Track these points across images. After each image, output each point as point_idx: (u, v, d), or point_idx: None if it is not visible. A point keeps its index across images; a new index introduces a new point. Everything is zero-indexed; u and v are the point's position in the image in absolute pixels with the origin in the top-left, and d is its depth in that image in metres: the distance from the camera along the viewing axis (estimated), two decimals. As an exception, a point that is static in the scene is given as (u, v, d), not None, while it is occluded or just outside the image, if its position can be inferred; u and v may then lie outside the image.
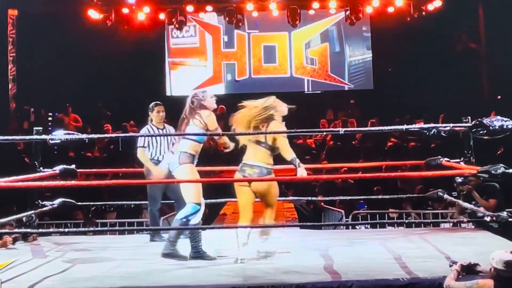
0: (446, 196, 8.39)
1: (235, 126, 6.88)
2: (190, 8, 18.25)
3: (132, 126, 16.95)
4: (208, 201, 8.67)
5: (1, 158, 12.82)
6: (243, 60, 20.34)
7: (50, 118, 18.55)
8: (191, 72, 20.37)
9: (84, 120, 18.09)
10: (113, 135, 13.46)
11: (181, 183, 6.85)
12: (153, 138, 8.25)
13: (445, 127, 6.99)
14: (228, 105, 18.24)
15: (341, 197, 10.82)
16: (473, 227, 8.51)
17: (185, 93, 20.86)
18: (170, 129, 8.47)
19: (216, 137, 7.14)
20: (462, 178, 7.99)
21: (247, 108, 6.85)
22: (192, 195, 6.74)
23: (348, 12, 18.43)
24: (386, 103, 18.27)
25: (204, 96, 6.93)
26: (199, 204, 6.75)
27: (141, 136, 8.41)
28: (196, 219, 6.77)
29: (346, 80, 20.27)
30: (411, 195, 10.42)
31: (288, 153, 6.77)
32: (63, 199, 8.52)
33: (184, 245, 6.88)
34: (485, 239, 7.47)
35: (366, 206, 11.06)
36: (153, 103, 8.60)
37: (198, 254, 6.74)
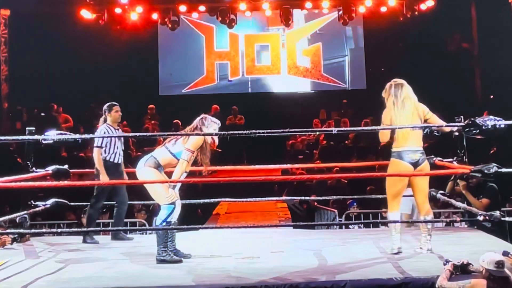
0: (439, 195, 8.40)
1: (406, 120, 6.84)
2: (182, 8, 18.22)
3: (125, 126, 16.92)
4: (202, 201, 8.71)
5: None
6: (236, 60, 20.33)
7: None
8: (184, 72, 20.36)
9: (77, 120, 18.04)
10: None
11: (148, 184, 6.81)
12: (111, 140, 8.18)
13: (438, 126, 7.00)
14: (221, 105, 18.32)
15: (334, 197, 10.81)
16: (466, 226, 8.53)
17: (178, 93, 21.00)
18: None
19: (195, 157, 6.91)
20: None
21: (410, 102, 6.89)
22: (163, 197, 6.72)
23: (341, 12, 18.45)
24: (379, 102, 18.20)
25: (208, 125, 6.87)
26: (173, 204, 6.73)
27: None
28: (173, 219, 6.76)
29: (339, 80, 20.28)
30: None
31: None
32: (56, 199, 8.49)
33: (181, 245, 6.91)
34: (478, 239, 7.48)
35: (355, 204, 11.04)
36: (109, 103, 8.38)
37: (161, 257, 6.68)
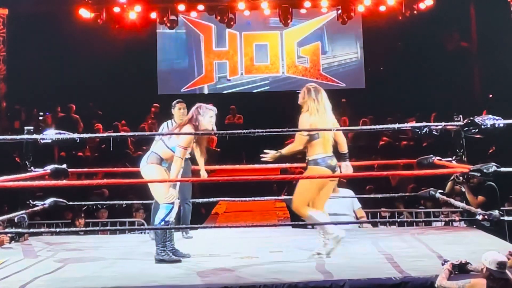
0: (438, 195, 8.39)
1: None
2: (181, 7, 18.23)
3: (124, 125, 16.90)
4: (200, 200, 8.70)
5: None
6: (234, 59, 20.33)
7: (41, 118, 18.51)
8: (183, 71, 20.35)
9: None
10: (105, 134, 13.38)
11: (154, 182, 6.78)
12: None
13: (437, 126, 6.99)
14: (219, 104, 18.27)
15: (333, 196, 10.77)
16: (465, 226, 8.52)
17: (176, 92, 21.04)
18: None
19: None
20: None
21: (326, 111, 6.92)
22: (163, 196, 6.70)
23: (340, 11, 18.47)
24: (378, 102, 18.30)
25: (204, 113, 6.79)
26: (172, 203, 6.71)
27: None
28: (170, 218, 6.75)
29: (338, 79, 20.27)
30: (403, 194, 10.43)
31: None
32: (54, 199, 8.47)
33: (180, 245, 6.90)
34: (477, 238, 7.47)
35: None
36: (175, 101, 8.44)
37: (160, 257, 6.66)
